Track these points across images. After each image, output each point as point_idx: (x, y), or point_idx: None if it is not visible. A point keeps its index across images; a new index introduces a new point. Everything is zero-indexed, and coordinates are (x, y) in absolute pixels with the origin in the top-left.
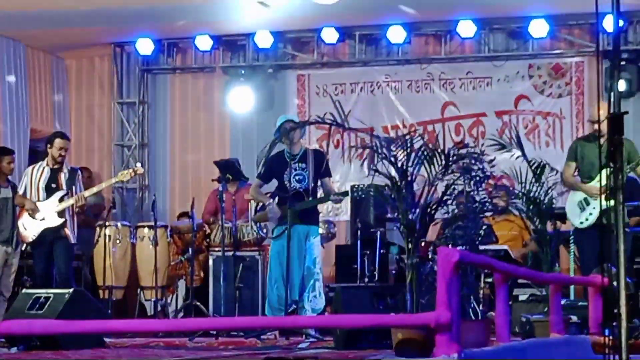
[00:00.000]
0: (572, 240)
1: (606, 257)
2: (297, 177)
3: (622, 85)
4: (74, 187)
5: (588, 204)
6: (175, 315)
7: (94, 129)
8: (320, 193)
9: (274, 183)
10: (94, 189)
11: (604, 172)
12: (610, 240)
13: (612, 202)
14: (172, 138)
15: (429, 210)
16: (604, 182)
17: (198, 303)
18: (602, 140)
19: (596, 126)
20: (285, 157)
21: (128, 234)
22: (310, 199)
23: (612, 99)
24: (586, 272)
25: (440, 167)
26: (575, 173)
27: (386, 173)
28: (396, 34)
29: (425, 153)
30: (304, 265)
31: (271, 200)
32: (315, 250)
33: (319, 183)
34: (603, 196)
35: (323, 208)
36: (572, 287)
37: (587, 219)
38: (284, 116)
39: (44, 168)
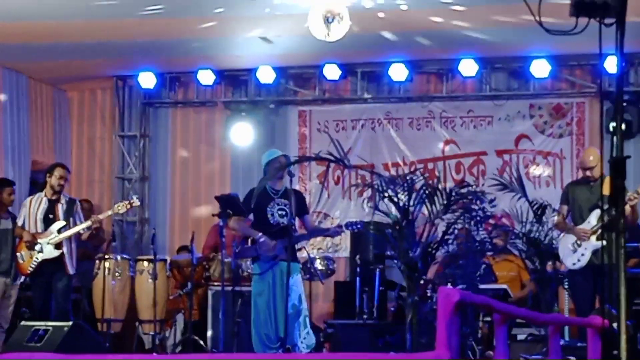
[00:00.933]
0: (566, 281)
1: (605, 298)
2: (279, 212)
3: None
4: (71, 219)
5: (579, 245)
6: (174, 349)
7: (95, 162)
8: (301, 230)
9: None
10: (109, 212)
11: (593, 213)
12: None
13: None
14: (173, 172)
15: (429, 249)
16: (594, 223)
17: (196, 337)
18: (592, 184)
19: (587, 172)
20: (268, 192)
21: (127, 267)
22: (299, 234)
23: (614, 142)
24: (580, 312)
25: (442, 206)
26: (568, 216)
27: (387, 211)
28: (398, 72)
29: (427, 192)
30: (289, 303)
31: (261, 234)
32: (299, 287)
33: (297, 222)
34: (594, 236)
35: (322, 244)
36: (566, 328)
37: (579, 260)
38: (275, 151)
39: (42, 199)
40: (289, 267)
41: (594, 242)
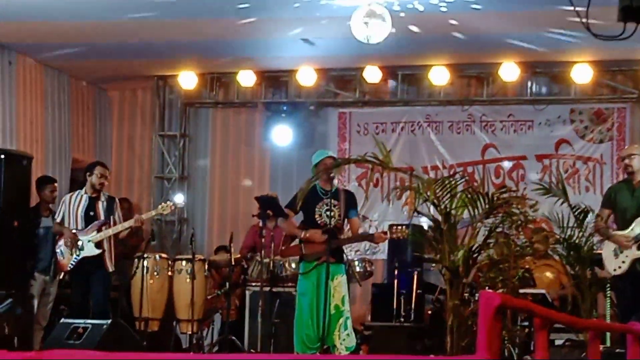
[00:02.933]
0: (608, 287)
1: None
2: (327, 213)
3: None
4: (111, 216)
5: (622, 252)
6: (210, 349)
7: (134, 161)
8: (347, 230)
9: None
10: (152, 212)
11: (637, 220)
12: None
13: None
14: (212, 172)
15: (471, 253)
16: (638, 231)
17: (234, 338)
18: (635, 189)
19: (626, 161)
20: (318, 192)
21: (166, 266)
22: (347, 235)
23: None
24: (623, 318)
25: (484, 211)
26: (611, 220)
27: (428, 214)
28: (438, 75)
29: (469, 196)
30: (332, 304)
31: (304, 232)
32: (343, 288)
33: (346, 222)
34: (636, 245)
35: (360, 246)
36: (607, 334)
37: (620, 267)
38: (325, 151)
39: (82, 196)
40: (328, 268)
41: (635, 251)
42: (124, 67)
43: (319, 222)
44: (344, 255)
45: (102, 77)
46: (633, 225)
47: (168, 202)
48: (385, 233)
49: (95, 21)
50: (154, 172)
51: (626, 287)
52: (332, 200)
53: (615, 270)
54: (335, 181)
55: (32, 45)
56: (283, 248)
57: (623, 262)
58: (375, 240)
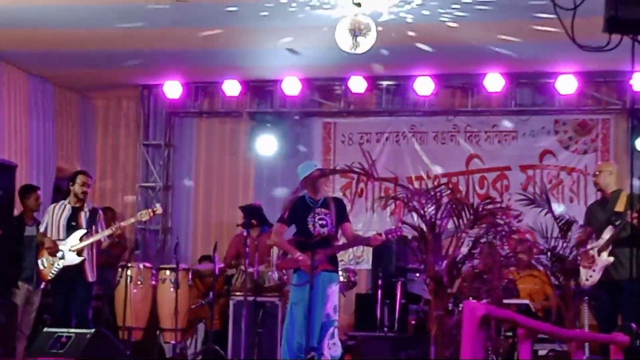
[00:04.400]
0: (585, 298)
1: (626, 315)
2: (320, 222)
3: None
4: (94, 227)
5: (593, 261)
6: (194, 359)
7: (119, 170)
8: (342, 238)
9: (292, 228)
10: (131, 220)
11: (607, 230)
12: (622, 296)
13: (611, 259)
14: (197, 181)
15: (455, 263)
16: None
17: (217, 347)
18: (607, 203)
19: (594, 179)
20: (308, 202)
21: (150, 275)
22: (340, 243)
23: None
24: (602, 329)
25: (469, 221)
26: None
27: (414, 224)
28: (423, 86)
29: (454, 206)
30: (324, 312)
31: (299, 254)
32: (335, 297)
33: (339, 230)
34: (605, 252)
35: (345, 256)
36: (586, 344)
37: (591, 276)
38: (311, 163)
39: (65, 206)
40: (318, 278)
41: (604, 258)
42: (109, 75)
43: (312, 232)
44: (338, 264)
45: (87, 85)
46: (603, 234)
47: (147, 209)
48: (380, 235)
49: (81, 29)
50: (139, 181)
51: (602, 296)
52: (323, 209)
53: (587, 279)
54: (327, 189)
55: (17, 52)
56: (279, 262)
57: (594, 270)
58: (371, 243)
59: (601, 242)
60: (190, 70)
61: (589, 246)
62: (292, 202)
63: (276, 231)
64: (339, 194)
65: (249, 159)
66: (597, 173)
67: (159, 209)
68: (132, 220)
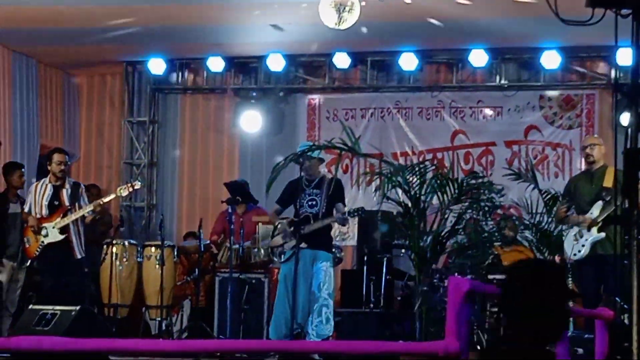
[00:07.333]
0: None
1: (610, 289)
2: (309, 202)
3: (629, 119)
4: (76, 203)
5: (581, 236)
6: (180, 335)
7: (103, 147)
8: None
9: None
10: (112, 195)
11: (596, 205)
12: (607, 271)
13: (603, 234)
14: (182, 158)
15: (440, 239)
16: (597, 214)
17: (203, 324)
18: (593, 176)
19: (587, 150)
20: (302, 184)
21: (135, 252)
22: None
23: (629, 133)
24: (587, 303)
25: (453, 197)
26: (571, 210)
27: (398, 200)
28: (408, 61)
29: (439, 182)
30: (309, 290)
31: (279, 219)
32: (321, 275)
33: (333, 211)
34: (595, 228)
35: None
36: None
37: (580, 251)
38: (307, 143)
39: (47, 185)
40: (298, 254)
41: (594, 234)
42: (93, 52)
43: (300, 212)
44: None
45: (70, 62)
46: (592, 209)
47: (126, 184)
48: (343, 214)
49: (64, 6)
50: (123, 158)
51: (589, 271)
52: (314, 190)
53: (575, 254)
54: (324, 169)
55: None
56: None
57: (583, 245)
58: (337, 222)
59: (589, 217)
60: (174, 46)
61: (580, 219)
62: (289, 184)
63: (272, 211)
64: (324, 170)
65: (233, 135)
66: (593, 145)
67: (137, 183)
68: (113, 195)
